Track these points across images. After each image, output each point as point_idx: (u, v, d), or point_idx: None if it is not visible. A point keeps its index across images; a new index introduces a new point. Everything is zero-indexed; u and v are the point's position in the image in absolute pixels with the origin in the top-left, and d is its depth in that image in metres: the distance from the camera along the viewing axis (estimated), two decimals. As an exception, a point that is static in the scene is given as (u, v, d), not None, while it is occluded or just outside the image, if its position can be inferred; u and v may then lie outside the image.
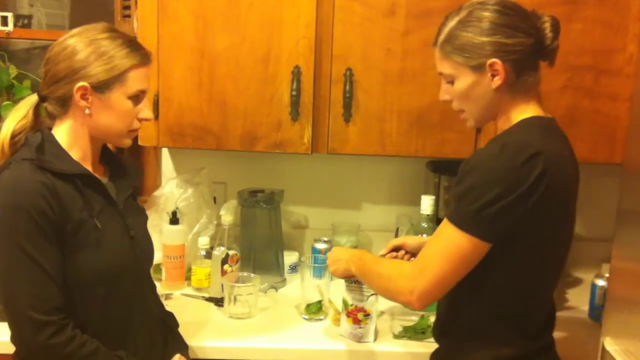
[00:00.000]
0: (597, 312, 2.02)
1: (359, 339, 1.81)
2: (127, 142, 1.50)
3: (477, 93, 1.43)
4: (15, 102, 2.44)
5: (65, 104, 1.40)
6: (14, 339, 1.37)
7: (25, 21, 2.59)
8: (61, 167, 1.37)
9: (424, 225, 2.04)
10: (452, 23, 1.43)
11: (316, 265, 1.99)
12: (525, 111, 1.43)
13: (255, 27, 1.97)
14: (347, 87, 1.99)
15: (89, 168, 1.45)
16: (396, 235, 2.42)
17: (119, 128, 1.44)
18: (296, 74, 1.97)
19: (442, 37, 1.45)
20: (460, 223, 1.34)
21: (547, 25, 1.41)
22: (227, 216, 2.14)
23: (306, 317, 1.96)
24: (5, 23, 2.47)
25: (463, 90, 1.44)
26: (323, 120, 2.04)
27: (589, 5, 1.94)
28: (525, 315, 1.44)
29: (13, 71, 2.49)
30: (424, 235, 2.03)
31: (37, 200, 1.30)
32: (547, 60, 1.45)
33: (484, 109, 1.46)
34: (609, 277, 1.13)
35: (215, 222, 2.27)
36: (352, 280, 1.76)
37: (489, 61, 1.38)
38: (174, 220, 2.14)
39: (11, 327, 1.36)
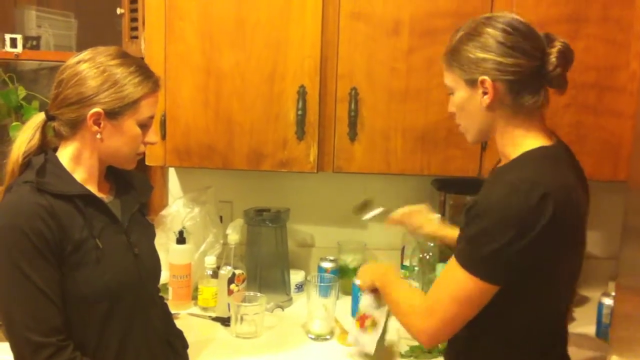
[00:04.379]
0: (604, 330, 2.02)
1: (360, 345, 1.79)
2: (132, 165, 1.53)
3: (470, 109, 1.43)
4: (24, 122, 2.48)
5: (75, 126, 1.41)
6: None
7: (34, 43, 2.61)
8: (60, 189, 1.37)
9: (430, 244, 2.04)
10: (458, 35, 1.43)
11: (322, 284, 1.98)
12: (527, 138, 1.40)
13: (261, 46, 1.99)
14: (352, 105, 2.00)
15: (94, 187, 1.46)
16: (402, 254, 2.42)
17: (127, 152, 1.46)
18: (301, 93, 1.99)
19: (448, 48, 1.45)
20: (471, 267, 1.31)
21: (554, 51, 1.37)
22: (234, 235, 2.14)
23: (312, 336, 1.95)
24: (14, 45, 2.50)
25: (459, 104, 1.45)
26: (329, 139, 2.05)
27: (592, 23, 1.95)
28: (538, 341, 1.43)
29: (22, 92, 2.51)
30: (430, 254, 2.04)
31: (34, 222, 1.31)
32: (551, 86, 1.41)
33: (478, 125, 1.45)
34: (615, 294, 1.13)
35: (221, 241, 2.27)
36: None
37: (480, 78, 1.37)
38: (181, 239, 2.14)
39: (12, 348, 1.36)
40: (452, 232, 1.76)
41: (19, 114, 2.50)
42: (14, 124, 2.48)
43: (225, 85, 2.02)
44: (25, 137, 1.44)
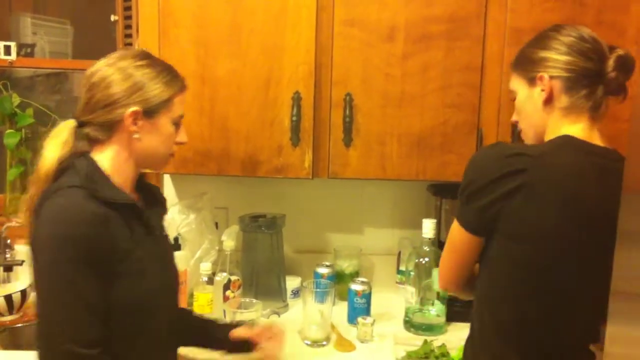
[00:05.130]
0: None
1: None
2: (164, 167, 1.55)
3: (529, 108, 1.49)
4: (18, 130, 2.48)
5: (111, 128, 1.40)
6: None
7: (28, 50, 2.61)
8: (111, 196, 1.35)
9: (426, 248, 2.04)
10: (522, 48, 1.53)
11: (318, 290, 1.98)
12: (566, 130, 1.44)
13: (256, 52, 1.99)
14: (347, 111, 2.00)
15: (131, 195, 1.45)
16: (398, 259, 2.42)
17: (163, 152, 1.47)
18: (296, 99, 1.99)
19: (516, 55, 1.54)
20: (457, 217, 1.45)
21: (614, 56, 1.42)
22: (229, 241, 2.14)
23: (308, 342, 1.95)
24: (8, 52, 2.50)
25: (520, 105, 1.51)
26: (323, 145, 2.05)
27: (587, 27, 1.95)
28: (527, 335, 1.41)
29: (16, 99, 2.51)
30: (426, 259, 2.04)
31: (89, 231, 1.28)
32: (607, 91, 1.45)
33: (534, 125, 1.49)
34: (610, 298, 1.13)
35: (217, 247, 2.27)
36: None
37: (539, 74, 1.44)
38: (176, 246, 2.14)
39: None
40: None
41: (13, 121, 2.51)
42: (8, 131, 2.49)
43: (220, 92, 2.02)
44: (58, 141, 1.40)
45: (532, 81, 1.47)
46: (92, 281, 1.29)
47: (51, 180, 1.37)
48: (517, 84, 1.51)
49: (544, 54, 1.45)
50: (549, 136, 1.45)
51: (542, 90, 1.44)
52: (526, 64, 1.48)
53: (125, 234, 1.36)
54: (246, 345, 1.65)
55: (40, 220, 1.31)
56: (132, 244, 1.37)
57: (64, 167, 1.38)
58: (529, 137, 1.53)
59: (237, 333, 1.65)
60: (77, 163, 1.38)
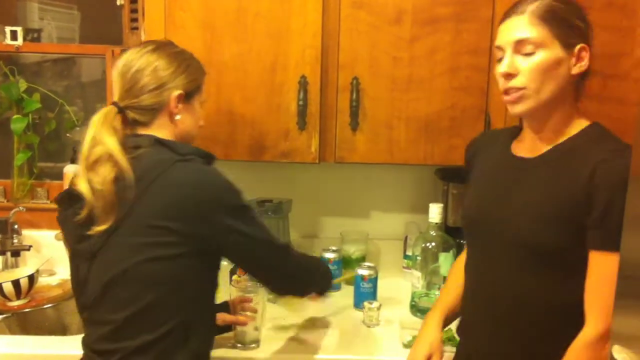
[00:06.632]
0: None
1: None
2: None
3: (557, 72, 1.39)
4: (25, 115, 2.48)
5: (155, 111, 1.50)
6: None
7: (35, 35, 2.61)
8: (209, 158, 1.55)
9: (433, 233, 2.03)
10: (549, 1, 1.40)
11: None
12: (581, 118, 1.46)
13: (263, 36, 1.98)
14: (354, 95, 1.99)
15: None
16: (405, 243, 2.41)
17: (194, 134, 1.61)
18: (303, 83, 1.98)
19: (536, 5, 1.39)
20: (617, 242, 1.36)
21: None
22: (236, 226, 2.13)
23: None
24: (14, 37, 2.49)
25: (544, 64, 1.37)
26: (330, 129, 2.04)
27: (596, 10, 1.91)
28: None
29: (23, 85, 2.51)
30: (433, 244, 2.03)
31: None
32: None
33: (553, 92, 1.40)
34: (617, 283, 1.12)
35: (224, 232, 2.26)
36: None
37: (581, 45, 1.39)
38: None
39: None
40: None
41: (20, 106, 2.51)
42: (15, 116, 2.49)
43: (226, 77, 2.01)
44: (109, 127, 1.44)
45: (569, 47, 1.38)
46: None
47: (124, 161, 1.39)
48: (548, 40, 1.37)
49: (580, 23, 1.41)
50: (564, 120, 1.44)
51: (579, 61, 1.39)
52: (563, 26, 1.38)
53: None
54: (228, 328, 1.80)
55: (173, 185, 1.40)
56: None
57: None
58: (536, 99, 1.40)
59: (223, 318, 1.76)
60: (163, 141, 1.47)
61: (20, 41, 2.50)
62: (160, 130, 1.51)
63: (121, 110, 1.48)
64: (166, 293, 1.41)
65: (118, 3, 2.40)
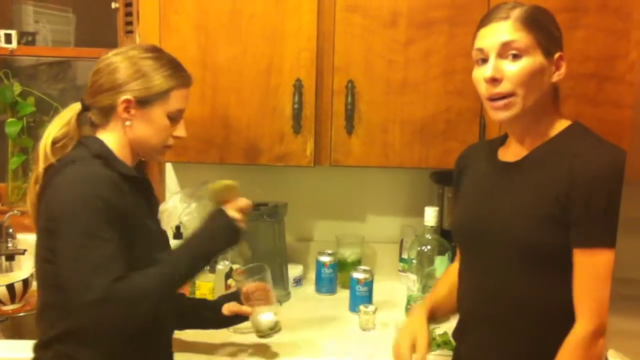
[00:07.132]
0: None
1: None
2: (161, 158, 1.63)
3: (541, 79, 1.40)
4: (19, 118, 2.48)
5: (108, 114, 1.48)
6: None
7: (30, 38, 2.60)
8: (124, 169, 1.45)
9: (428, 236, 2.02)
10: (530, 8, 1.41)
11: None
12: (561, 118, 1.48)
13: (257, 39, 1.98)
14: (349, 98, 1.99)
15: None
16: (401, 247, 2.41)
17: (154, 142, 1.52)
18: (298, 86, 1.97)
19: (519, 12, 1.39)
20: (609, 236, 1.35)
21: None
22: (231, 230, 2.12)
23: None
24: (9, 40, 2.49)
25: (528, 70, 1.37)
26: (325, 133, 2.03)
27: (591, 13, 1.93)
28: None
29: (17, 88, 2.51)
30: (428, 247, 2.03)
31: (109, 193, 1.36)
32: None
33: (536, 99, 1.40)
34: (612, 285, 1.12)
35: (219, 235, 2.26)
36: None
37: (559, 53, 1.41)
38: (178, 234, 2.13)
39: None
40: None
41: (15, 110, 2.50)
42: (9, 120, 2.48)
43: (221, 79, 2.00)
44: (60, 122, 1.49)
45: (549, 54, 1.39)
46: (115, 236, 1.35)
47: (51, 159, 1.44)
48: (532, 47, 1.38)
49: (558, 33, 1.43)
50: (540, 118, 1.45)
51: (557, 70, 1.42)
52: (545, 33, 1.40)
53: (137, 205, 1.46)
54: (239, 319, 1.74)
55: (56, 187, 1.38)
56: (142, 214, 1.47)
57: (68, 146, 1.46)
58: (524, 109, 1.40)
59: (229, 308, 1.71)
60: (86, 141, 1.47)
61: (14, 44, 2.50)
62: (112, 134, 1.49)
63: (86, 108, 1.51)
64: (54, 295, 1.42)
65: (113, 6, 2.40)
